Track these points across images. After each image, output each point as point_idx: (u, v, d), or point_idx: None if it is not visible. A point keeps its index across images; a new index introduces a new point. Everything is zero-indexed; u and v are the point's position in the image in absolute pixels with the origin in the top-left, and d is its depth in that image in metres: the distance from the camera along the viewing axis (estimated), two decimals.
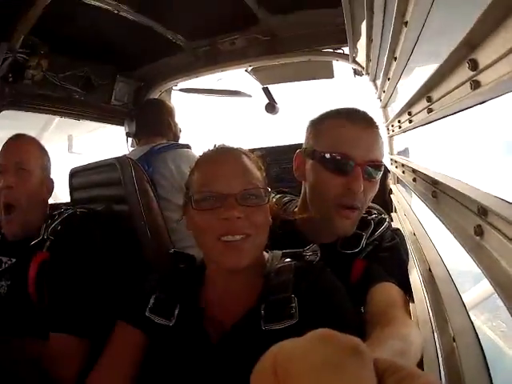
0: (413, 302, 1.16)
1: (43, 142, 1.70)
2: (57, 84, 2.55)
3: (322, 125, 1.35)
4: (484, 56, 0.69)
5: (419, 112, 1.41)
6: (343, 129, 1.27)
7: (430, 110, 1.22)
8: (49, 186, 1.65)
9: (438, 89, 1.10)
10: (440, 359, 0.84)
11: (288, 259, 1.16)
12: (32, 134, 1.69)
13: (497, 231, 0.72)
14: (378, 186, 1.32)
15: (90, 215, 1.68)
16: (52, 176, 1.69)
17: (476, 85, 0.73)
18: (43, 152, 1.67)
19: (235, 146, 1.18)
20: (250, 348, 0.98)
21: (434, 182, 1.22)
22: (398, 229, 1.48)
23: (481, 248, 0.78)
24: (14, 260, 1.52)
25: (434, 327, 0.94)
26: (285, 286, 1.06)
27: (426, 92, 1.24)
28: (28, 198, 1.53)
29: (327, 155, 1.26)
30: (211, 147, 1.19)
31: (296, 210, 1.46)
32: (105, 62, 2.85)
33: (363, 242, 1.32)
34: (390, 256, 1.30)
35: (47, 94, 2.57)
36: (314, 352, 0.32)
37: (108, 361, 1.11)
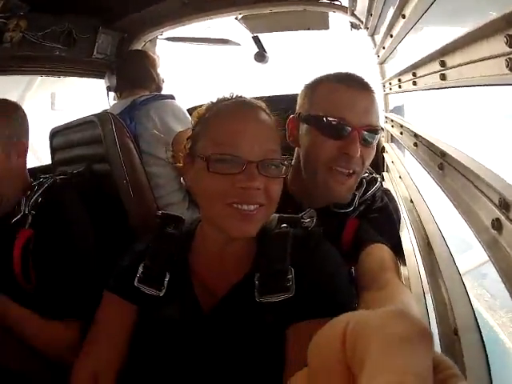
0: (403, 262, 1.17)
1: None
2: (37, 43, 2.40)
3: (316, 89, 1.30)
4: None
5: (427, 75, 1.33)
6: (339, 93, 1.24)
7: (443, 76, 1.14)
8: (20, 151, 1.45)
9: (457, 55, 1.01)
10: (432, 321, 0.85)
11: (284, 225, 1.09)
12: (15, 94, 1.54)
13: None
14: (374, 150, 1.30)
15: (70, 183, 1.57)
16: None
17: None
18: (7, 117, 1.44)
19: (253, 100, 1.08)
20: (243, 320, 0.97)
21: (441, 153, 1.15)
22: (389, 190, 1.47)
23: (497, 243, 0.73)
24: None
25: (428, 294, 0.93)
26: (281, 255, 1.00)
27: (439, 56, 1.15)
28: None
29: (323, 119, 1.22)
30: (226, 95, 1.08)
31: (289, 175, 1.40)
32: (86, 15, 2.68)
33: (356, 201, 1.32)
34: (380, 217, 1.30)
35: (27, 55, 2.44)
36: (390, 324, 0.30)
37: (98, 334, 1.08)
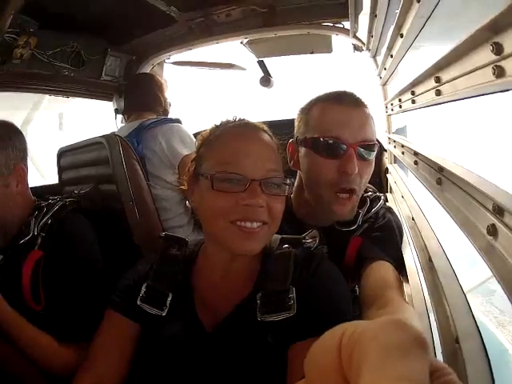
0: (406, 279, 1.16)
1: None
2: (46, 61, 2.45)
3: (310, 111, 1.32)
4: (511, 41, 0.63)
5: (425, 92, 1.35)
6: (331, 112, 1.25)
7: (438, 92, 1.15)
8: (20, 177, 1.41)
9: (449, 70, 1.02)
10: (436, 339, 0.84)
11: (287, 245, 1.10)
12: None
13: None
14: (373, 166, 1.30)
15: (79, 205, 1.56)
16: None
17: (500, 71, 0.67)
18: (6, 141, 1.39)
19: (255, 122, 1.11)
20: (245, 339, 0.98)
21: (439, 169, 1.16)
22: (391, 207, 1.46)
23: (493, 249, 0.73)
24: (1, 256, 1.41)
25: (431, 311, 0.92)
26: (283, 275, 1.01)
27: (434, 72, 1.17)
28: None
29: (318, 140, 1.24)
30: (229, 118, 1.12)
31: (292, 196, 1.43)
32: (95, 37, 2.75)
33: (360, 219, 1.32)
34: (383, 234, 1.29)
35: (36, 73, 2.49)
36: (384, 334, 0.31)
37: (98, 351, 1.07)
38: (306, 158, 1.30)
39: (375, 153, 1.28)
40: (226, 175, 0.97)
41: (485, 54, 0.72)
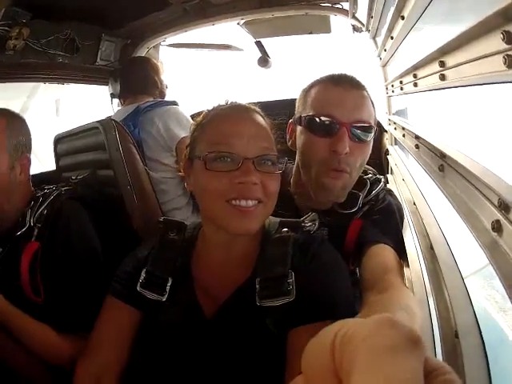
0: (406, 263, 1.16)
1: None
2: (40, 50, 2.42)
3: (309, 92, 1.33)
4: None
5: (427, 76, 1.33)
6: (327, 91, 1.26)
7: (442, 76, 1.13)
8: (24, 166, 1.43)
9: (455, 55, 1.00)
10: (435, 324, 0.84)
11: (286, 229, 1.09)
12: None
13: None
14: (369, 149, 1.29)
15: (75, 194, 1.54)
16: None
17: (511, 61, 0.64)
18: (12, 129, 1.41)
19: (247, 103, 1.11)
20: (244, 324, 0.98)
21: (441, 155, 1.14)
22: (391, 190, 1.45)
23: (497, 245, 0.72)
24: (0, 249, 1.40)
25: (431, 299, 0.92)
26: (282, 259, 1.01)
27: (438, 56, 1.15)
28: None
29: (313, 118, 1.25)
30: (221, 102, 1.12)
31: (291, 179, 1.42)
32: (89, 23, 2.70)
33: (360, 201, 1.31)
34: (383, 217, 1.28)
35: (30, 62, 2.45)
36: (376, 334, 0.31)
37: (99, 338, 1.08)
38: (301, 136, 1.30)
39: (372, 135, 1.27)
40: (218, 154, 0.97)
41: (495, 42, 0.70)
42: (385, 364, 0.29)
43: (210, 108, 1.12)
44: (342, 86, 1.24)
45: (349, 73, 1.32)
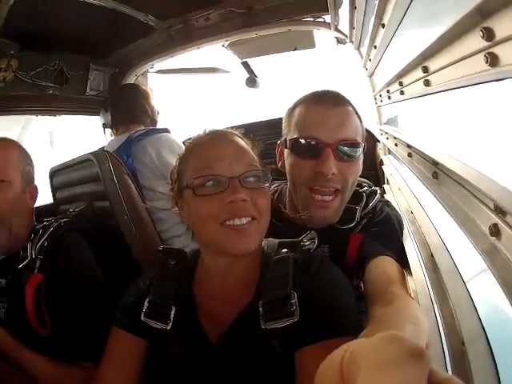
0: (410, 273, 1.15)
1: (25, 142, 1.57)
2: (29, 82, 2.46)
3: (292, 112, 1.33)
4: (503, 25, 0.59)
5: (412, 83, 1.32)
6: (310, 112, 1.26)
7: (426, 82, 1.12)
8: (32, 193, 1.52)
9: (437, 59, 0.99)
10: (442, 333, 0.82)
11: (285, 250, 1.08)
12: (14, 133, 1.55)
13: None
14: (359, 165, 1.28)
15: (74, 225, 1.55)
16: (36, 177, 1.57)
17: (493, 58, 0.63)
18: (23, 157, 1.51)
19: (225, 128, 1.13)
20: (250, 347, 0.96)
21: (434, 162, 1.13)
22: (388, 201, 1.45)
23: (496, 251, 0.71)
24: (3, 280, 1.41)
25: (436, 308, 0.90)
26: (283, 280, 0.99)
27: (421, 61, 1.14)
28: (10, 210, 1.40)
29: (297, 141, 1.25)
30: (200, 132, 1.13)
31: (286, 201, 1.42)
32: (76, 53, 2.73)
33: (358, 215, 1.31)
34: (382, 229, 1.28)
35: (20, 94, 2.49)
36: (380, 351, 0.33)
37: (106, 369, 1.06)
38: (288, 158, 1.31)
39: (360, 151, 1.26)
40: (204, 179, 0.99)
41: (475, 41, 0.69)
42: (388, 376, 0.30)
43: (190, 140, 1.14)
44: (323, 105, 1.24)
45: (332, 88, 1.32)
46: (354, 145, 1.23)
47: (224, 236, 0.97)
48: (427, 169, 1.22)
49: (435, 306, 0.92)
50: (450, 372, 0.73)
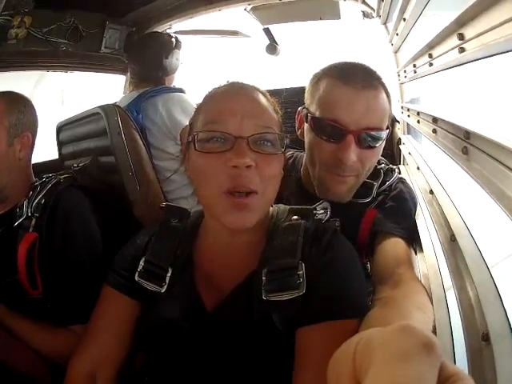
0: (421, 253, 1.14)
1: (36, 100, 1.51)
2: (42, 38, 2.41)
3: (318, 84, 1.23)
4: None
5: (446, 52, 1.24)
6: (336, 91, 1.16)
7: (462, 50, 1.04)
8: (24, 144, 1.43)
9: (476, 24, 0.92)
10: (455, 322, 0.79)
11: (295, 217, 1.02)
12: (26, 91, 1.50)
13: None
14: (379, 151, 1.22)
15: (75, 182, 1.49)
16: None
17: None
18: (11, 107, 1.42)
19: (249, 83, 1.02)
20: (247, 319, 0.89)
21: (465, 136, 1.05)
22: (403, 178, 1.39)
23: None
24: None
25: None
26: (292, 249, 0.92)
27: (456, 28, 1.06)
28: None
29: (319, 120, 1.17)
30: (222, 83, 1.03)
31: (301, 169, 1.38)
32: (93, 11, 2.66)
33: (374, 191, 1.26)
34: (396, 205, 1.24)
35: (33, 50, 2.43)
36: (394, 342, 0.33)
37: (95, 330, 1.02)
38: (307, 134, 1.24)
39: (384, 138, 1.19)
40: (208, 134, 0.90)
41: None
42: (396, 369, 0.30)
43: (210, 89, 1.04)
44: (352, 86, 1.13)
45: (362, 62, 1.22)
46: (378, 133, 1.16)
47: (222, 207, 0.89)
48: (456, 144, 1.14)
49: (450, 296, 0.87)
50: (466, 369, 0.68)
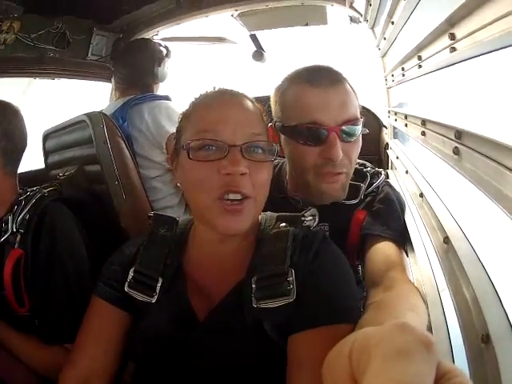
0: (414, 260, 1.11)
1: (24, 107, 1.45)
2: (30, 44, 2.39)
3: (284, 94, 1.24)
4: None
5: (436, 53, 1.24)
6: (307, 95, 1.16)
7: (453, 49, 1.04)
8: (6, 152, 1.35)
9: (467, 22, 0.91)
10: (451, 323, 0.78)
11: (284, 224, 1.01)
12: (13, 99, 1.43)
13: None
14: (360, 141, 1.22)
15: (59, 195, 1.45)
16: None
17: None
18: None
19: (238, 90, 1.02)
20: (239, 328, 0.89)
21: (456, 136, 1.05)
22: (389, 181, 1.39)
23: None
24: None
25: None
26: (281, 256, 0.92)
27: (447, 28, 1.06)
28: None
29: (297, 128, 1.17)
30: (209, 89, 1.03)
31: (287, 178, 1.37)
32: (80, 17, 2.65)
33: (361, 193, 1.27)
34: (383, 207, 1.24)
35: (20, 57, 2.42)
36: (391, 340, 0.33)
37: (85, 342, 0.99)
38: (287, 146, 1.24)
39: (361, 126, 1.20)
40: (202, 142, 0.90)
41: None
42: (394, 368, 0.30)
43: (197, 96, 1.04)
44: (320, 86, 1.15)
45: (323, 64, 1.24)
46: (356, 123, 1.17)
47: (215, 212, 0.89)
48: (446, 145, 1.14)
49: (446, 299, 0.87)
50: (466, 372, 0.66)
